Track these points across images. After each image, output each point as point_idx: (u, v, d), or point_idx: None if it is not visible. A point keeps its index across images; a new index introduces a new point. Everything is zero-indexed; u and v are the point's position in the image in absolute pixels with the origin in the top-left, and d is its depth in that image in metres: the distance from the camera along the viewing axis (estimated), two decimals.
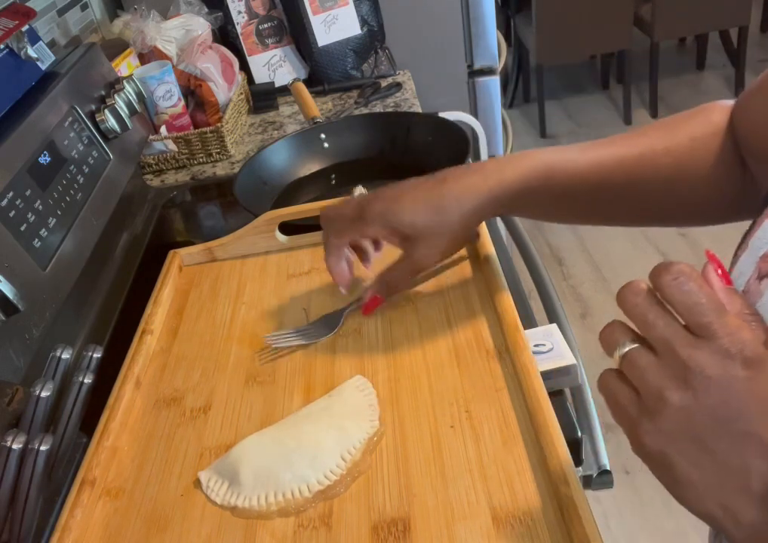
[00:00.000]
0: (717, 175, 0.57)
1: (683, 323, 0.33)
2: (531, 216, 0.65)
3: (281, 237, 0.82)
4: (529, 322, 0.70)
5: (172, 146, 1.24)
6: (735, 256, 0.43)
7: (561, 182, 0.58)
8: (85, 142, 0.86)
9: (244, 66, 1.49)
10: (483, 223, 0.71)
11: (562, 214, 0.66)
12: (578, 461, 0.60)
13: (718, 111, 0.58)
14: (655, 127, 0.60)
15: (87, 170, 0.84)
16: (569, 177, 0.58)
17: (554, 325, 0.68)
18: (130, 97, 0.98)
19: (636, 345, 0.34)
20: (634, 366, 0.34)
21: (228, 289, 0.78)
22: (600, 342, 0.36)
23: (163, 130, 1.24)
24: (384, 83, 1.46)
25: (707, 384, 0.32)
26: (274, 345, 0.66)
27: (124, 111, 0.94)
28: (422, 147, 1.04)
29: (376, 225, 0.61)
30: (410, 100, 1.40)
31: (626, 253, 2.54)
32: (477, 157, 1.45)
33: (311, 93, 1.28)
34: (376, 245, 0.68)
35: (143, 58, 1.30)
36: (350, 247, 0.66)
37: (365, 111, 1.36)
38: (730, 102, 0.58)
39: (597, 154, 0.58)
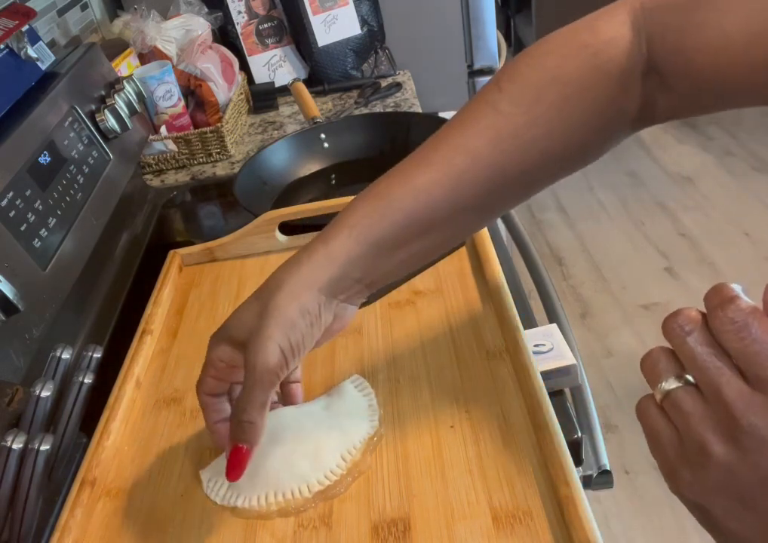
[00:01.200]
0: (601, 124, 0.48)
1: (738, 363, 0.29)
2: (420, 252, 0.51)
3: (281, 237, 0.82)
4: (529, 322, 0.70)
5: (172, 146, 1.24)
6: None
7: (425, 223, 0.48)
8: (85, 142, 0.86)
9: (244, 66, 1.49)
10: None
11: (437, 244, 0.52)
12: (578, 461, 0.60)
13: (604, 49, 0.47)
14: (513, 92, 0.48)
15: (87, 170, 0.84)
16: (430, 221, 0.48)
17: (554, 325, 0.68)
18: (130, 97, 0.98)
19: (681, 385, 0.31)
20: (677, 408, 0.31)
21: (228, 289, 0.78)
22: (641, 370, 0.33)
23: (163, 130, 1.24)
24: (384, 83, 1.46)
25: (759, 445, 0.28)
26: None
27: (124, 111, 0.94)
28: None
29: (209, 349, 0.51)
30: (410, 100, 1.40)
31: (626, 253, 2.54)
32: None
33: (311, 93, 1.28)
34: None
35: (143, 58, 1.30)
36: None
37: (365, 111, 1.36)
38: (613, 28, 0.47)
39: (453, 166, 0.48)
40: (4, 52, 0.79)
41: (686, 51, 0.45)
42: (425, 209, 0.48)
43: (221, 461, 0.55)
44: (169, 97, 1.22)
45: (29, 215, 0.69)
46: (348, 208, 0.49)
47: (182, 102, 1.25)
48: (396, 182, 0.49)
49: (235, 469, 0.47)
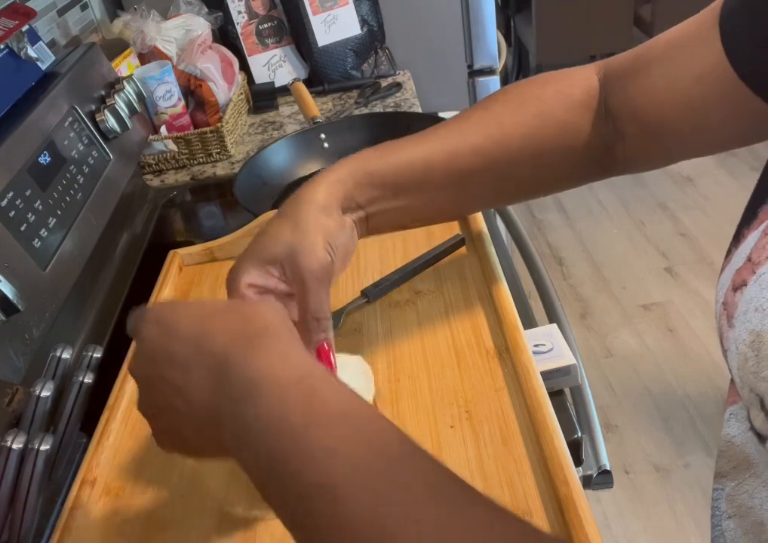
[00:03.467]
0: (571, 145, 0.56)
1: None
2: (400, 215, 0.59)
3: None
4: (529, 322, 0.70)
5: (172, 146, 1.24)
6: (722, 269, 0.42)
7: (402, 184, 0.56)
8: (85, 142, 0.86)
9: (244, 66, 1.49)
10: None
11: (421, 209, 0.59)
12: (578, 461, 0.60)
13: (576, 86, 0.57)
14: (501, 100, 0.58)
15: (87, 170, 0.84)
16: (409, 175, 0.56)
17: (554, 325, 0.68)
18: (130, 97, 0.98)
19: None
20: None
21: None
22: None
23: (163, 130, 1.24)
24: (384, 83, 1.46)
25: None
26: None
27: (124, 111, 0.94)
28: None
29: (234, 279, 0.52)
30: (410, 100, 1.40)
31: (626, 253, 2.54)
32: None
33: (311, 93, 1.28)
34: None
35: (143, 58, 1.30)
36: None
37: (365, 111, 1.36)
38: (585, 76, 0.57)
39: (447, 142, 0.57)
40: (4, 52, 0.79)
41: (629, 96, 0.54)
42: (421, 164, 0.56)
43: None
44: (169, 97, 1.22)
45: (29, 215, 0.69)
46: (354, 154, 0.57)
47: (182, 102, 1.25)
48: (396, 145, 0.58)
49: (328, 366, 0.52)
